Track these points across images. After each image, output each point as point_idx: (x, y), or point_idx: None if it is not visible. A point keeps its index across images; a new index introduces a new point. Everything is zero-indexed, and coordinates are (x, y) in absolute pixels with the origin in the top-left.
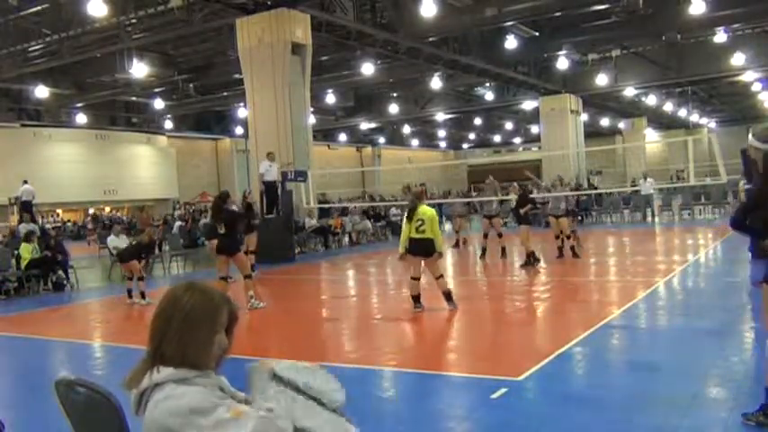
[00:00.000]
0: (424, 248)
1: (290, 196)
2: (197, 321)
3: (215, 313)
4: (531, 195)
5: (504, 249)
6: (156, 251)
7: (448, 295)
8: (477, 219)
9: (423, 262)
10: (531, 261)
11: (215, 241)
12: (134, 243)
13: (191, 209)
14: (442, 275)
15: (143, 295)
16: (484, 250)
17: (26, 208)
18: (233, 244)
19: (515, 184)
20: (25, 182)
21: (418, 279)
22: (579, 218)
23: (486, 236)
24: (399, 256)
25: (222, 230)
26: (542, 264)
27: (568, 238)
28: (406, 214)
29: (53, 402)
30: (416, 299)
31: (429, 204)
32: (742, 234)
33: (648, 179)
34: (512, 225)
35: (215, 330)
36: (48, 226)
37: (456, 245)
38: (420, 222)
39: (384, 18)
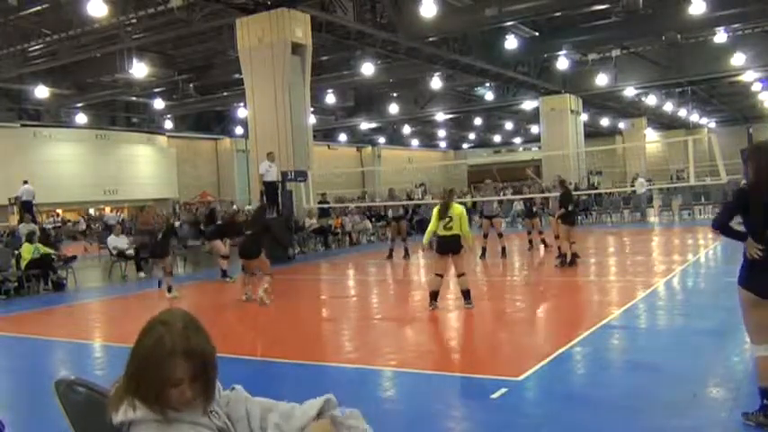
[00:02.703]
0: (451, 245)
1: (290, 196)
2: (144, 367)
3: (161, 365)
4: (574, 193)
5: (504, 249)
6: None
7: (467, 294)
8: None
9: (450, 259)
10: (573, 260)
11: (217, 242)
12: (160, 237)
13: (194, 209)
14: (464, 273)
15: (170, 289)
16: (484, 250)
17: (26, 208)
18: (258, 248)
19: (558, 181)
20: (25, 182)
21: (442, 276)
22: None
23: (486, 236)
24: (423, 248)
25: (251, 233)
26: (542, 264)
27: (557, 237)
28: (438, 210)
29: (53, 402)
30: (434, 296)
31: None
32: None
33: (640, 178)
34: (513, 225)
35: (164, 382)
36: (48, 226)
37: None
38: (449, 219)
39: (384, 18)
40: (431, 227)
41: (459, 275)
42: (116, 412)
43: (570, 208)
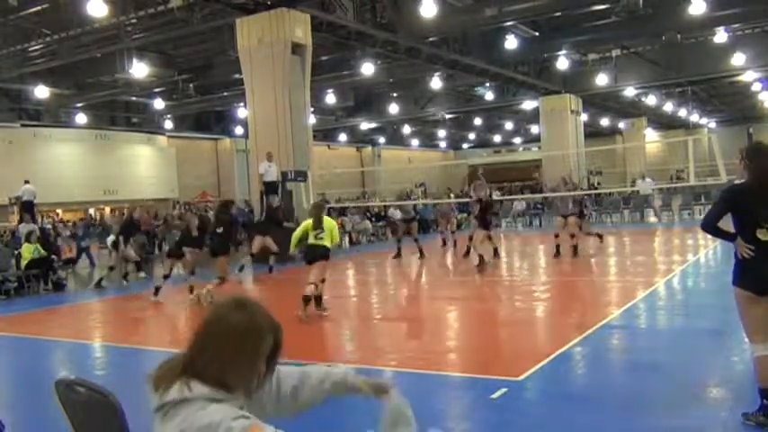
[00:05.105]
0: (318, 253)
1: (290, 196)
2: (237, 346)
3: (258, 341)
4: (497, 198)
5: (496, 250)
6: (157, 251)
7: (306, 299)
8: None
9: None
10: (482, 263)
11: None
12: (179, 237)
13: (193, 208)
14: (324, 280)
15: (191, 290)
16: (468, 250)
17: (27, 208)
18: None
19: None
20: (27, 182)
21: (316, 285)
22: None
23: (471, 238)
24: (289, 255)
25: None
26: (542, 263)
27: (572, 236)
28: (311, 222)
29: (53, 402)
30: (308, 300)
31: (424, 204)
32: None
33: (647, 179)
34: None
35: (255, 359)
36: (48, 226)
37: (444, 244)
38: (320, 231)
39: (384, 18)
40: (298, 235)
41: (322, 281)
42: (166, 390)
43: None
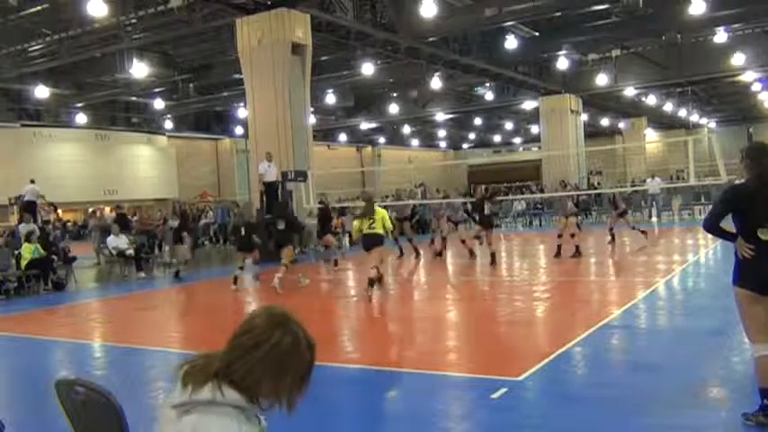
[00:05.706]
0: (373, 241)
1: (290, 196)
2: (280, 363)
3: (299, 360)
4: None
5: (471, 251)
6: (156, 251)
7: (371, 282)
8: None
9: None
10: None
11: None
12: (242, 233)
13: (194, 208)
14: (379, 265)
15: (257, 277)
16: (440, 252)
17: (29, 208)
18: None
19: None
20: (32, 181)
21: (376, 268)
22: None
23: (445, 239)
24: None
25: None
26: (543, 263)
27: (573, 236)
28: (363, 214)
29: (53, 402)
30: (372, 283)
31: (424, 204)
32: None
33: (656, 178)
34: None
35: (294, 376)
36: (50, 226)
37: (434, 246)
38: (372, 221)
39: (384, 18)
40: (356, 227)
41: (374, 266)
42: (196, 390)
43: (486, 212)
